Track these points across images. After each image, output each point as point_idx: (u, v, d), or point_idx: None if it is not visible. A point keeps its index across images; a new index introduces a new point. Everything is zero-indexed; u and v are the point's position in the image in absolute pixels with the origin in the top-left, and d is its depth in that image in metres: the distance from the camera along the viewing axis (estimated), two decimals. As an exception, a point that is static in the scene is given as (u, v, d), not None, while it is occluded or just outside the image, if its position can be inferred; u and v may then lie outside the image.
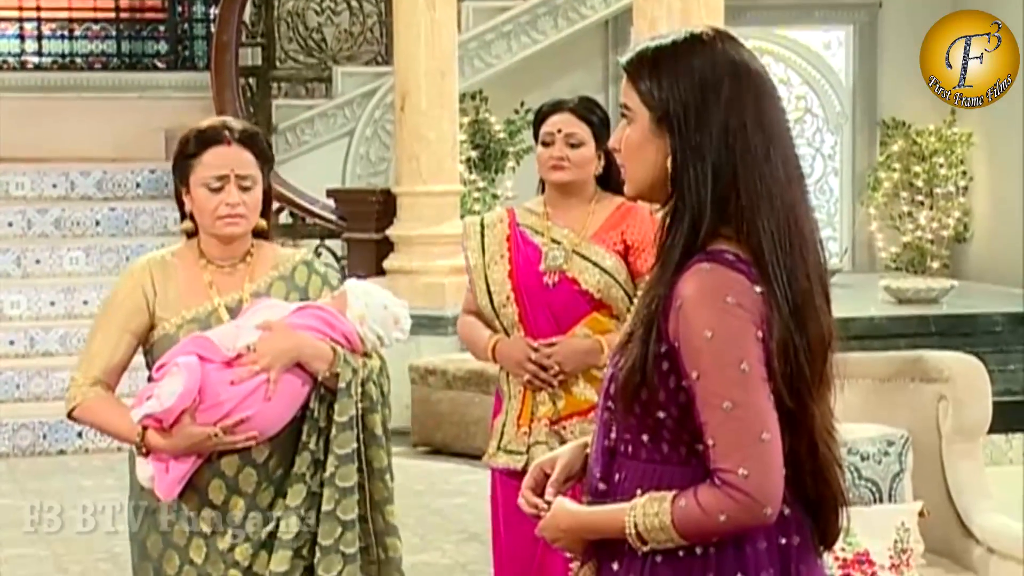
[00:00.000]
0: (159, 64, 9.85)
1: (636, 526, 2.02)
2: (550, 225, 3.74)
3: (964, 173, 9.99)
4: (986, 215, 9.88)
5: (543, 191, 3.82)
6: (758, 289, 1.99)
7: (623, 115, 2.08)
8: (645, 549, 2.03)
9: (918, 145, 10.00)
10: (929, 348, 4.86)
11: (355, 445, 2.95)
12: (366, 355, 3.01)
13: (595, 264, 3.64)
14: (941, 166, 9.93)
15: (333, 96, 9.06)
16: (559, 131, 3.71)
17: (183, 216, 3.11)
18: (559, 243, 3.68)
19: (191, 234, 3.10)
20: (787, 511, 2.05)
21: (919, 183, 9.99)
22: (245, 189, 3.00)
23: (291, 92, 9.18)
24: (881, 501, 3.88)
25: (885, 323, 7.56)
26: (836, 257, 10.19)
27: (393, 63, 7.91)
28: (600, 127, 3.76)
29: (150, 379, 3.02)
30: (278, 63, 9.02)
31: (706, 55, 2.03)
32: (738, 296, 1.97)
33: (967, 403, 4.05)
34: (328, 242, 8.02)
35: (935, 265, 9.88)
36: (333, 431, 2.94)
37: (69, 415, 3.07)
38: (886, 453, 3.91)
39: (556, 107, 3.78)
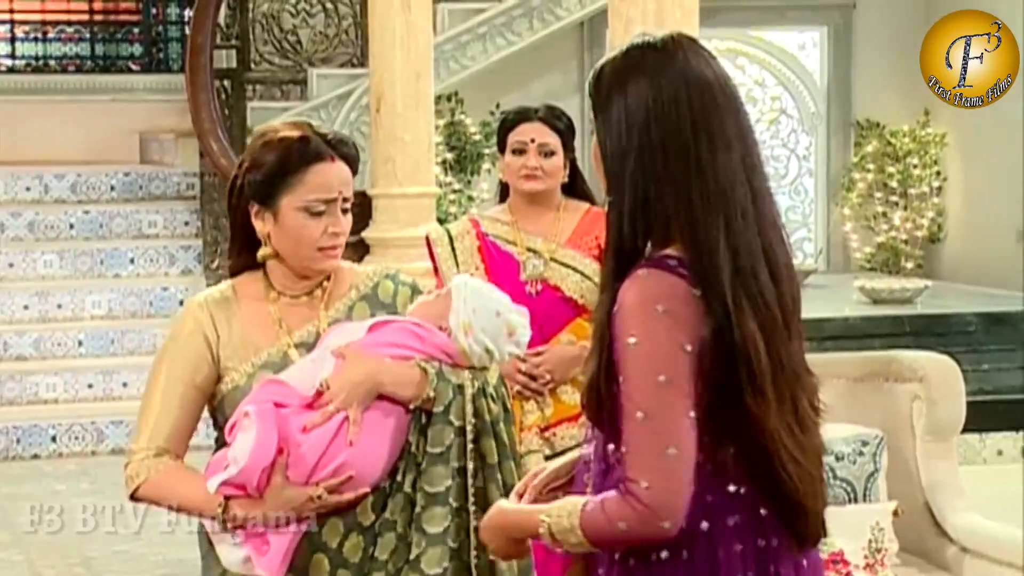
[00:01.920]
0: (133, 66, 9.81)
1: (549, 527, 2.05)
2: (522, 235, 3.74)
3: (938, 174, 10.02)
4: (960, 215, 9.92)
5: (503, 199, 3.82)
6: (696, 292, 2.00)
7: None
8: (559, 551, 2.06)
9: (892, 146, 10.03)
10: (903, 348, 4.87)
11: (448, 482, 2.46)
12: (474, 368, 2.53)
13: (576, 270, 3.65)
14: (915, 167, 9.96)
15: (308, 98, 9.04)
16: (532, 140, 3.71)
17: (243, 242, 2.62)
18: (535, 251, 3.68)
19: (238, 268, 2.64)
20: (763, 512, 2.06)
21: (893, 184, 10.02)
22: (345, 212, 2.59)
23: (266, 94, 9.15)
24: (856, 501, 3.89)
25: (859, 323, 7.58)
26: (811, 258, 10.22)
27: (368, 65, 7.89)
28: (568, 134, 3.78)
29: (220, 444, 2.56)
30: (253, 65, 9.00)
31: (652, 68, 2.05)
32: (670, 302, 1.99)
33: (941, 403, 4.07)
34: (304, 244, 8.00)
35: (909, 265, 9.92)
36: (424, 464, 2.46)
37: (132, 497, 2.58)
38: (860, 453, 3.92)
39: (524, 116, 3.77)
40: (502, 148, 3.76)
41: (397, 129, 7.56)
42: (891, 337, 7.17)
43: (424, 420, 2.47)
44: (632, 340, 1.99)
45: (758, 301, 2.03)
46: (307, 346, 2.56)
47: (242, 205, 2.61)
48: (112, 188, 8.80)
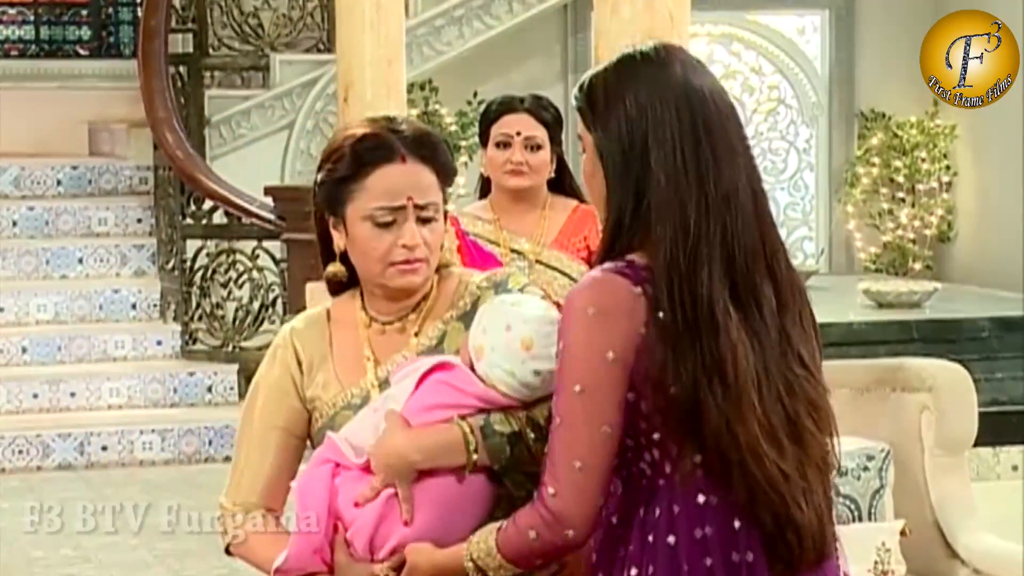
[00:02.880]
0: (81, 51, 9.79)
1: (471, 555, 2.16)
2: (506, 235, 3.74)
3: (948, 168, 10.06)
4: (971, 213, 9.96)
5: (484, 195, 3.82)
6: (636, 290, 2.05)
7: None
8: None
9: (899, 138, 10.06)
10: (911, 355, 4.89)
11: None
12: (525, 403, 2.29)
13: (562, 273, 3.66)
14: (923, 160, 9.99)
15: (271, 86, 9.03)
16: (518, 133, 3.72)
17: (327, 257, 2.47)
18: (519, 253, 3.69)
19: (338, 284, 2.48)
20: (737, 524, 2.09)
21: (900, 179, 10.05)
22: (425, 221, 2.39)
23: (225, 82, 9.14)
24: (860, 519, 3.90)
25: (864, 329, 7.60)
26: (812, 258, 10.24)
27: (335, 50, 7.88)
28: (555, 126, 3.78)
29: None
30: (211, 50, 8.98)
31: (649, 78, 2.11)
32: (603, 302, 2.05)
33: (951, 414, 4.08)
34: (266, 244, 8.00)
35: (917, 266, 9.95)
36: None
37: (227, 552, 2.50)
38: (865, 468, 3.94)
39: (509, 107, 3.78)
40: (484, 141, 3.77)
41: (366, 119, 7.55)
42: (898, 344, 7.20)
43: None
44: (561, 346, 2.09)
45: (753, 310, 2.07)
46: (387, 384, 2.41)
47: (319, 216, 2.47)
48: (58, 182, 8.78)
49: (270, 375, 2.47)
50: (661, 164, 2.08)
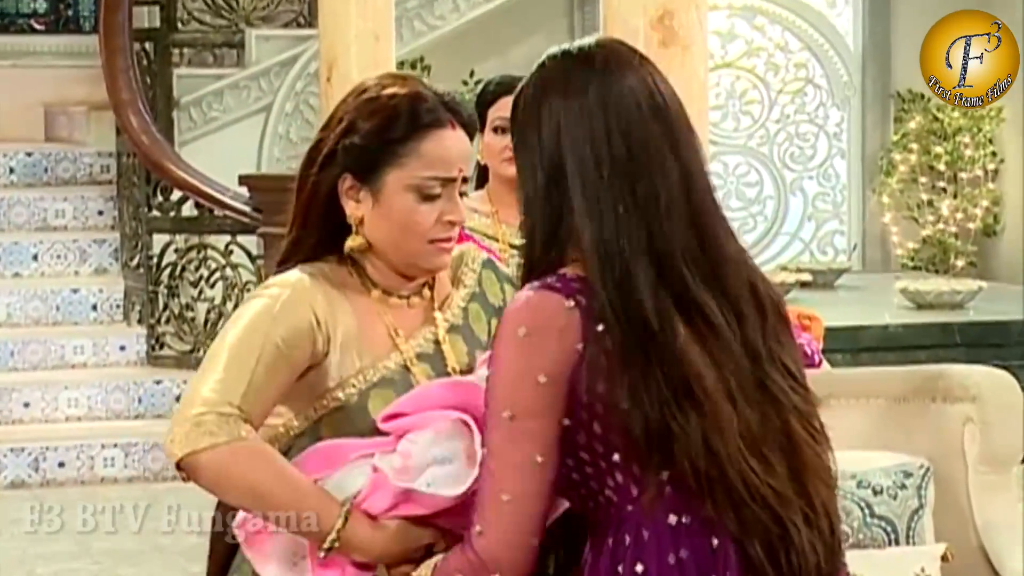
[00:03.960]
0: (36, 25, 9.79)
1: None
2: (505, 228, 3.75)
3: (994, 154, 10.06)
4: (1019, 204, 9.96)
5: (481, 184, 3.83)
6: (569, 304, 2.08)
7: None
8: None
9: (939, 122, 10.07)
10: (953, 361, 4.89)
11: None
12: None
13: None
14: (966, 146, 10.00)
15: (246, 64, 9.03)
16: None
17: (318, 226, 2.43)
18: (520, 249, 3.70)
19: (287, 259, 2.44)
20: (715, 542, 2.10)
21: (941, 166, 10.06)
22: (462, 195, 2.44)
23: (196, 60, 9.14)
24: (897, 543, 3.90)
25: (901, 332, 7.61)
26: (843, 254, 10.25)
27: (317, 25, 7.88)
28: None
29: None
30: (180, 25, 8.99)
31: (554, 87, 2.18)
32: (535, 321, 2.08)
33: (998, 426, 4.08)
34: (241, 238, 8.00)
35: (960, 263, 9.96)
36: None
37: (179, 466, 2.27)
38: (903, 486, 3.94)
39: (508, 87, 3.78)
40: (481, 125, 3.78)
41: (352, 101, 7.56)
42: (939, 348, 7.21)
43: None
44: (491, 371, 2.10)
45: (698, 321, 2.10)
46: (429, 360, 2.42)
47: (328, 178, 2.40)
48: (11, 171, 8.77)
49: (294, 303, 2.35)
50: (577, 172, 2.12)
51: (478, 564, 2.09)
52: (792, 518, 2.10)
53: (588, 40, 2.26)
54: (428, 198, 2.39)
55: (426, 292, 2.48)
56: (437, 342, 2.46)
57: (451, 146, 2.40)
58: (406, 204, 2.38)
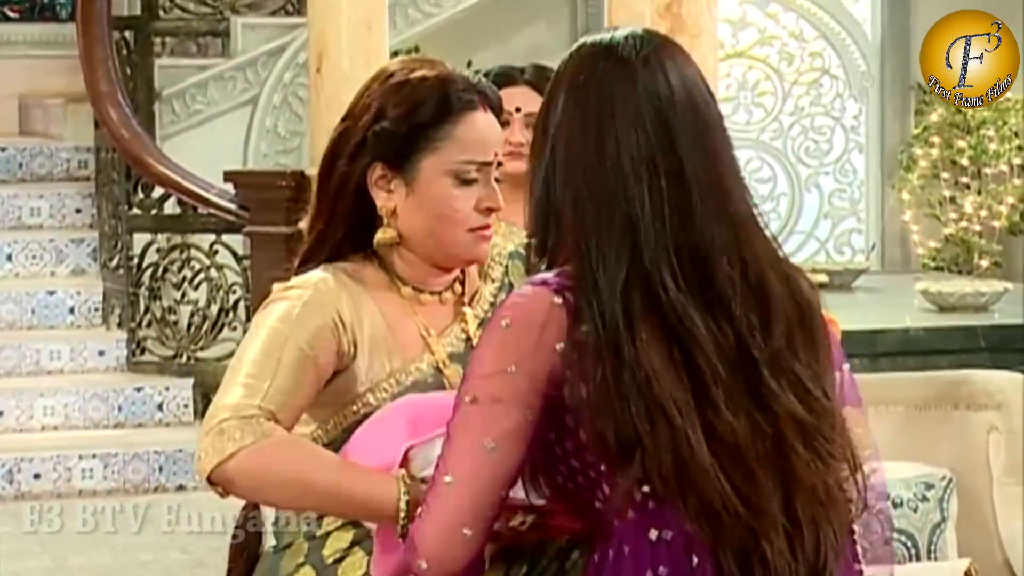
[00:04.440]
0: (10, 14, 9.79)
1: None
2: (504, 227, 3.74)
3: (1020, 148, 10.05)
4: (1047, 201, 9.96)
5: None
6: (556, 300, 2.11)
7: None
8: None
9: (962, 114, 10.06)
10: (977, 367, 4.88)
11: None
12: None
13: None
14: (991, 140, 9.99)
15: (231, 54, 9.02)
16: (516, 110, 3.74)
17: (343, 220, 2.45)
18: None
19: (306, 261, 2.45)
20: (695, 560, 2.11)
21: (964, 161, 10.05)
22: (497, 182, 2.48)
23: (179, 49, 9.14)
24: (918, 558, 3.90)
25: (922, 336, 7.59)
26: (861, 254, 10.25)
27: (307, 13, 7.88)
28: None
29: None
30: (162, 13, 8.98)
31: (566, 77, 2.22)
32: (517, 316, 2.11)
33: (1024, 435, 4.08)
34: (226, 237, 8.00)
35: (984, 263, 9.95)
36: None
37: (210, 479, 2.26)
38: (924, 499, 3.94)
39: (507, 78, 3.79)
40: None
41: (343, 93, 7.54)
42: (962, 353, 7.19)
43: None
44: (470, 359, 2.14)
45: (668, 315, 2.10)
46: (460, 360, 2.42)
47: (358, 170, 2.42)
48: (-16, 167, 8.78)
49: (317, 305, 2.36)
50: (566, 167, 2.15)
51: (410, 546, 2.12)
52: (768, 532, 2.11)
53: (620, 31, 2.25)
54: (466, 183, 2.42)
55: (457, 287, 2.52)
56: (468, 339, 2.48)
57: (485, 128, 2.44)
58: (443, 191, 2.41)
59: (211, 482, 2.27)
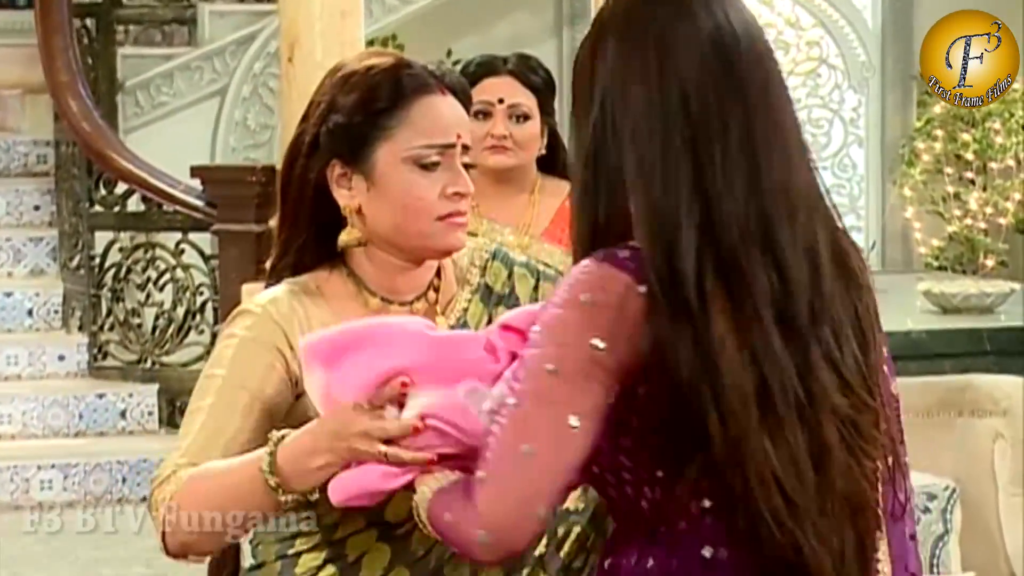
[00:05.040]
0: (-36, 0, 9.79)
1: (416, 493, 2.14)
2: (486, 224, 3.77)
3: (1027, 142, 10.09)
4: (1056, 197, 9.99)
5: None
6: (641, 289, 2.06)
7: None
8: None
9: (967, 106, 10.09)
10: (982, 371, 4.91)
11: None
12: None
13: (555, 270, 3.68)
14: (997, 133, 10.02)
15: (198, 43, 9.03)
16: (500, 101, 3.76)
17: (306, 226, 2.46)
18: (503, 246, 3.73)
19: (297, 269, 2.46)
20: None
21: (968, 155, 10.08)
22: (466, 168, 2.46)
23: (143, 38, 9.14)
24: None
25: (924, 339, 7.61)
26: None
27: (277, 0, 7.91)
28: (546, 93, 3.82)
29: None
30: (125, -1, 9.00)
31: (621, 25, 2.14)
32: (599, 294, 2.05)
33: (1031, 443, 4.11)
34: (193, 236, 8.00)
35: (990, 263, 9.98)
36: None
37: (167, 549, 2.32)
38: (926, 510, 3.96)
39: (489, 68, 3.82)
40: (463, 109, 3.81)
41: (315, 84, 7.56)
42: (966, 357, 7.21)
43: None
44: (538, 327, 2.07)
45: (741, 300, 2.07)
46: None
47: (315, 170, 2.43)
48: (-63, 161, 8.79)
49: (249, 341, 2.38)
50: (629, 128, 2.10)
51: (471, 515, 2.04)
52: (811, 542, 2.08)
53: None
54: (426, 168, 2.41)
55: (431, 295, 2.51)
56: None
57: (444, 110, 2.43)
58: (404, 179, 2.40)
59: (177, 556, 2.35)
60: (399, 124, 2.40)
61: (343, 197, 2.43)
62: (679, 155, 2.08)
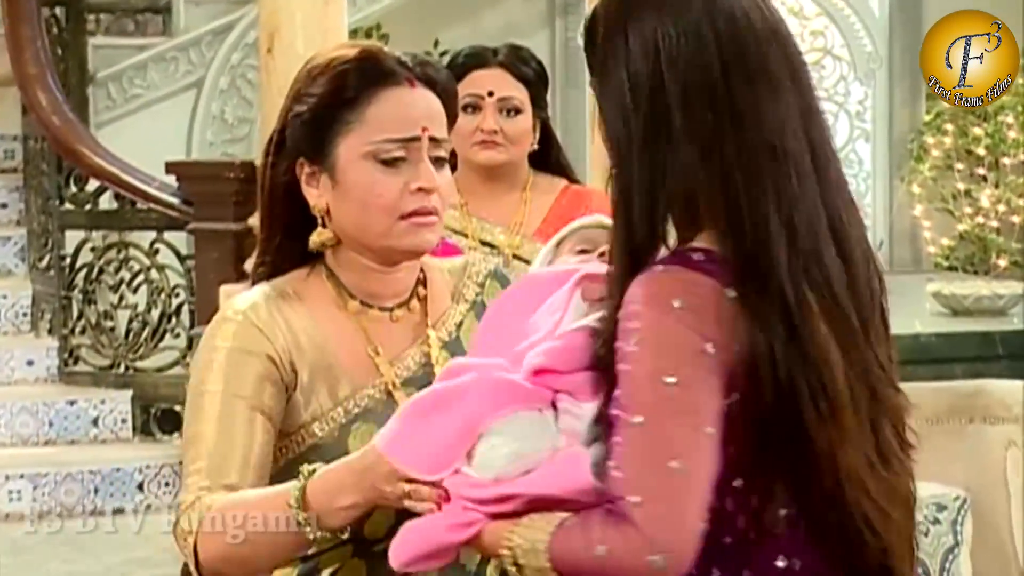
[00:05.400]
0: (-70, -11, 9.78)
1: (512, 544, 2.08)
2: (475, 223, 3.77)
3: (1041, 137, 10.09)
4: (1071, 194, 10.00)
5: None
6: (731, 294, 2.04)
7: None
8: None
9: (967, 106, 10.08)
10: (994, 376, 4.91)
11: None
12: None
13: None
14: (1010, 127, 10.02)
15: (173, 33, 9.02)
16: (490, 94, 3.75)
17: (281, 225, 2.46)
18: (492, 246, 3.72)
19: (278, 271, 2.46)
20: None
21: (980, 151, 10.08)
22: (439, 163, 2.42)
23: (115, 27, 9.13)
24: (930, 586, 3.92)
25: (934, 342, 7.61)
26: (868, 253, 10.27)
27: (257, -13, 7.89)
28: (538, 85, 3.81)
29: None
30: (96, -13, 8.99)
31: (645, 4, 2.10)
32: (691, 299, 2.03)
33: (1046, 451, 4.11)
34: (168, 235, 7.99)
35: (1002, 263, 9.98)
36: None
37: (197, 564, 2.32)
38: (936, 520, 3.96)
39: (479, 59, 3.81)
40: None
41: (297, 76, 7.56)
42: (978, 361, 7.21)
43: None
44: (636, 339, 2.03)
45: (825, 294, 2.08)
46: (417, 384, 2.38)
47: (283, 167, 2.43)
48: (-100, 158, 8.78)
49: (244, 345, 2.38)
50: (683, 110, 2.07)
51: (639, 541, 2.00)
52: (900, 551, 2.11)
53: None
54: (388, 164, 2.38)
55: (415, 305, 2.49)
56: (429, 363, 2.45)
57: (409, 104, 2.40)
58: (364, 176, 2.38)
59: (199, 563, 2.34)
60: (359, 118, 2.39)
61: (312, 196, 2.42)
62: (748, 140, 2.07)
